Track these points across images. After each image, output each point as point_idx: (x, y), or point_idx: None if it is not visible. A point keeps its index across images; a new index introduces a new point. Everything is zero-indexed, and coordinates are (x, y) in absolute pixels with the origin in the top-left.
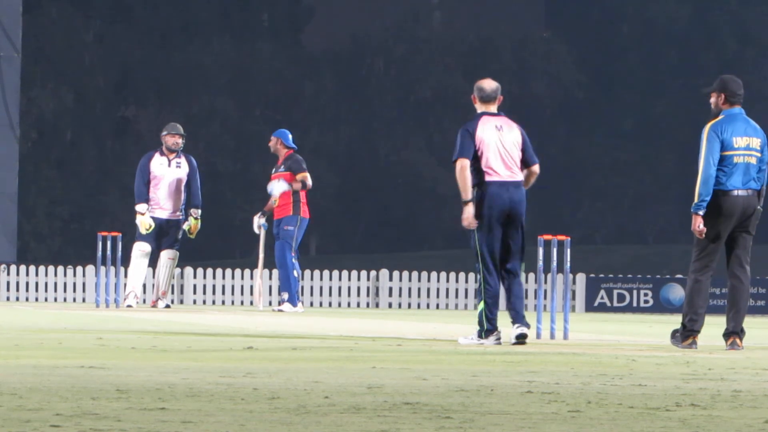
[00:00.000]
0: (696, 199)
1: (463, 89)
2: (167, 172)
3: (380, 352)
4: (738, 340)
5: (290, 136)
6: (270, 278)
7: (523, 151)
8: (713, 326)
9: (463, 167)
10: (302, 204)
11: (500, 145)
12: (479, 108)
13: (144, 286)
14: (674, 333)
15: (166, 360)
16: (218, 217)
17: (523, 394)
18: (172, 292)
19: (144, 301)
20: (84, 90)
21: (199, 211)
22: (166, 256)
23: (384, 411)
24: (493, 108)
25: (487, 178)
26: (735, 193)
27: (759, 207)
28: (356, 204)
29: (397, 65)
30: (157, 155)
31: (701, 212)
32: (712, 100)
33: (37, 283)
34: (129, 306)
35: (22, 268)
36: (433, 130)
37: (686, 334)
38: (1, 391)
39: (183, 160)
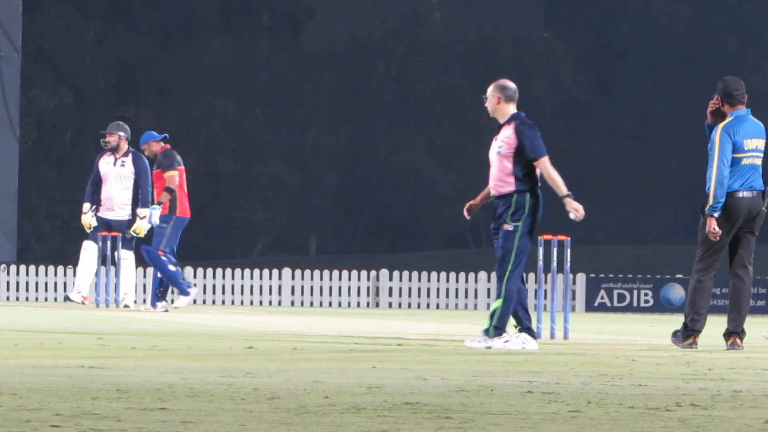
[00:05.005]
0: (711, 201)
1: (463, 89)
2: (111, 171)
3: (380, 352)
4: (738, 340)
5: (155, 133)
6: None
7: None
8: (714, 326)
9: (549, 163)
10: (180, 202)
11: None
12: (507, 107)
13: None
14: (675, 333)
15: (166, 360)
16: (218, 217)
17: (523, 394)
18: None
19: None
20: (84, 90)
21: (147, 210)
22: (120, 257)
23: (384, 411)
24: (515, 108)
25: (538, 184)
26: (740, 194)
27: (764, 208)
28: (356, 204)
29: (397, 65)
30: (106, 155)
31: (716, 214)
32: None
33: (37, 283)
34: (67, 299)
35: (22, 268)
36: (433, 130)
37: (687, 334)
38: (1, 391)
39: (128, 159)
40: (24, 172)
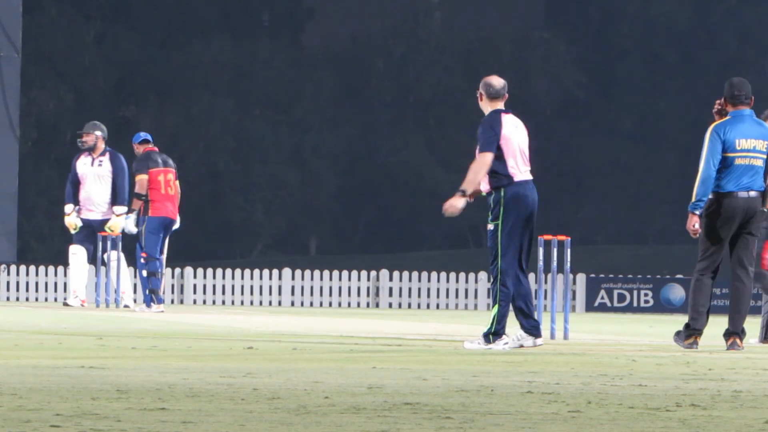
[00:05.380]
0: (693, 199)
1: (463, 89)
2: (89, 171)
3: (380, 352)
4: (738, 340)
5: (143, 136)
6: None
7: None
8: (714, 326)
9: (484, 162)
10: (153, 202)
11: (519, 143)
12: (489, 105)
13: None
14: (678, 332)
15: (166, 360)
16: (218, 217)
17: (523, 394)
18: (172, 292)
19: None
20: (84, 90)
21: (124, 208)
22: (110, 257)
23: (384, 411)
24: (501, 105)
25: (516, 179)
26: (736, 194)
27: (762, 209)
28: (356, 204)
29: (397, 65)
30: (83, 155)
31: (698, 212)
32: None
33: (37, 283)
34: (65, 305)
35: (22, 268)
36: (433, 130)
37: (689, 333)
38: (1, 391)
39: (106, 158)
40: (24, 172)
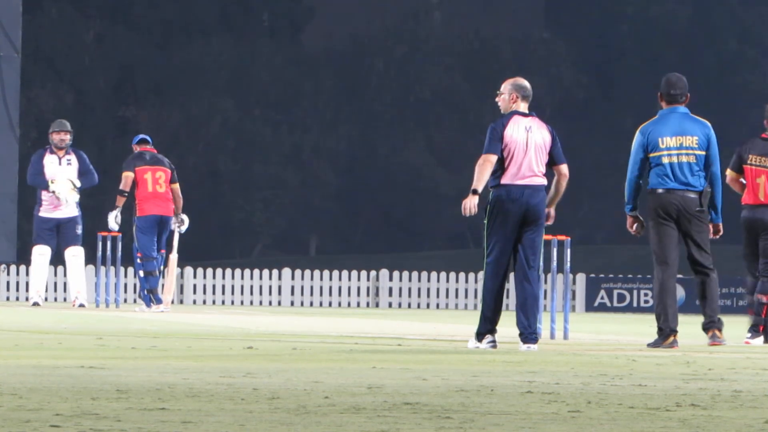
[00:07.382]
0: (625, 201)
1: (463, 89)
2: (58, 170)
3: (380, 352)
4: (717, 332)
5: (140, 136)
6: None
7: (551, 152)
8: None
9: (485, 161)
10: (140, 202)
11: (525, 147)
12: (515, 106)
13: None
14: (653, 342)
15: (166, 360)
16: (218, 217)
17: (523, 394)
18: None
19: (47, 299)
20: (84, 90)
21: (78, 182)
22: (70, 253)
23: (384, 411)
24: (526, 107)
25: (503, 181)
26: (670, 192)
27: (699, 208)
28: (356, 204)
29: (397, 65)
30: (47, 154)
31: (631, 213)
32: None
33: None
34: (35, 304)
35: (22, 268)
36: (433, 130)
37: (666, 335)
38: (1, 391)
39: (73, 157)
40: (24, 172)
